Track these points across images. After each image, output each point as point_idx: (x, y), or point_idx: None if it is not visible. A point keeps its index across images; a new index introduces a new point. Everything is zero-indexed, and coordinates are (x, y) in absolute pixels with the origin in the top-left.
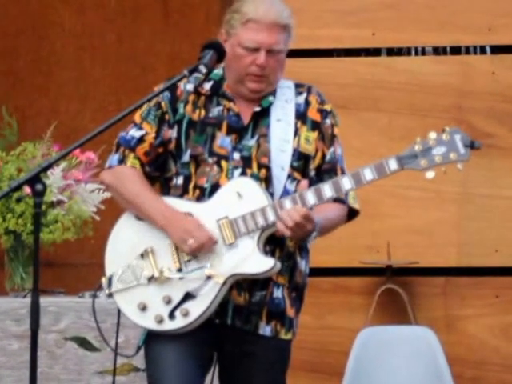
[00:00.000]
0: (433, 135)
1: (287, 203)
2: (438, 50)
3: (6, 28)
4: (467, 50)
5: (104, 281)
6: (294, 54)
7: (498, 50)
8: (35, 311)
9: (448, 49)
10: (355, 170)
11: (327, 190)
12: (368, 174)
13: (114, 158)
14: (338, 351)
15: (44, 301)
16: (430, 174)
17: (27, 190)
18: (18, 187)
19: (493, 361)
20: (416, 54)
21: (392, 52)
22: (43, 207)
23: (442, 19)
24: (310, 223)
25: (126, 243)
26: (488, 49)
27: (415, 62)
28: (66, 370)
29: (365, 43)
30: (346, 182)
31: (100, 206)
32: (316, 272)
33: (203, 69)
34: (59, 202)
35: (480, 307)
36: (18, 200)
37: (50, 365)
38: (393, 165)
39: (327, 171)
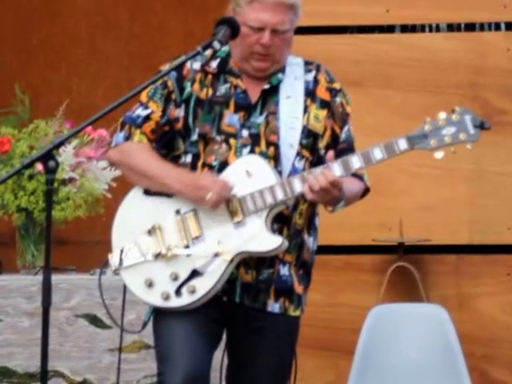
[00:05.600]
0: (442, 115)
1: (296, 182)
2: (452, 27)
3: (18, 5)
4: (482, 27)
5: (111, 257)
6: (308, 30)
7: None
8: (47, 288)
9: (462, 26)
10: (365, 149)
11: (336, 168)
12: (377, 154)
13: (119, 136)
14: (349, 329)
15: (55, 278)
16: (439, 154)
17: (39, 167)
18: (30, 164)
19: (504, 338)
20: (430, 30)
21: (406, 29)
22: (55, 185)
23: None
24: (336, 190)
25: (132, 220)
26: (503, 25)
27: (429, 39)
28: (77, 347)
29: (379, 20)
30: (356, 161)
31: (112, 184)
32: (328, 249)
33: (217, 45)
34: (71, 180)
35: (492, 285)
36: (30, 177)
37: (61, 342)
38: (402, 144)
39: (345, 150)
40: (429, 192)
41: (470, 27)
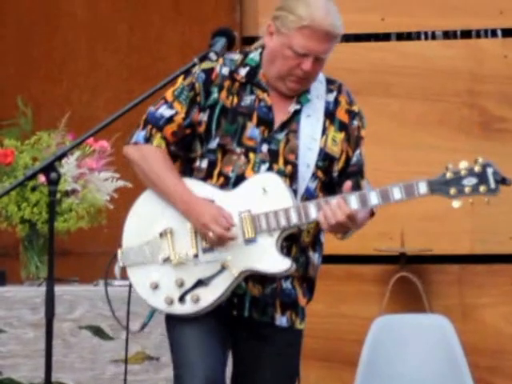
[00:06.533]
0: (464, 164)
1: (311, 208)
2: (448, 34)
3: (19, 18)
4: (478, 34)
5: (120, 252)
6: None
7: (509, 33)
8: (50, 300)
9: (458, 33)
10: (384, 187)
11: (353, 201)
12: (397, 194)
13: (140, 135)
14: (352, 340)
15: (59, 289)
16: (457, 204)
17: (42, 178)
18: (33, 176)
19: (509, 349)
20: (426, 38)
21: (402, 37)
22: (58, 196)
23: (452, 3)
24: (352, 223)
25: (146, 219)
26: (499, 32)
27: (425, 47)
28: (81, 358)
29: (374, 28)
30: (374, 198)
31: (113, 195)
32: (329, 259)
33: (214, 56)
34: (73, 191)
35: (495, 295)
36: (33, 189)
37: (65, 353)
38: (423, 188)
39: (354, 174)
40: (430, 201)
41: (466, 34)
